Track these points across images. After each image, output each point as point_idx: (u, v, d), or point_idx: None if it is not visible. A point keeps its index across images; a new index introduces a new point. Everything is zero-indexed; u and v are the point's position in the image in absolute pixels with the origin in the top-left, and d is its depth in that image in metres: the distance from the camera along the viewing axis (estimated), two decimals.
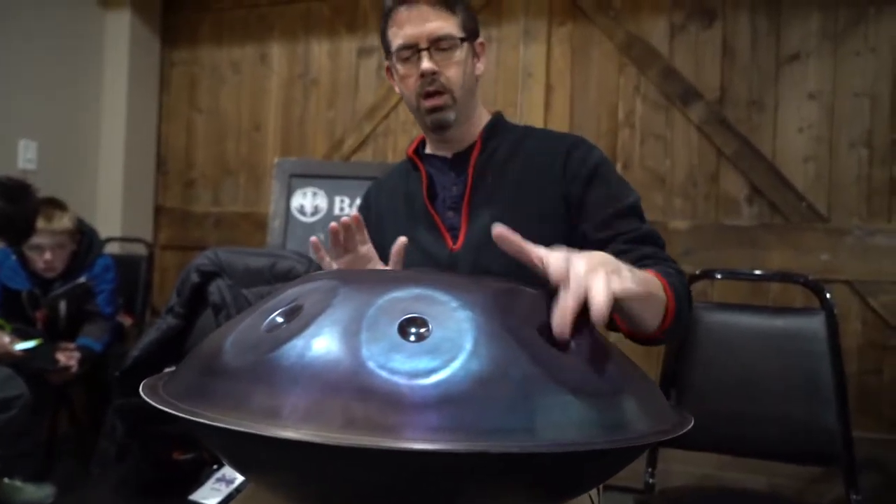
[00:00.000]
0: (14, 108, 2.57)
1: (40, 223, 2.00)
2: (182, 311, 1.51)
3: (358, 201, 1.22)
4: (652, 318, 0.77)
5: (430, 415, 0.43)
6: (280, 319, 0.55)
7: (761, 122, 2.29)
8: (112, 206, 2.95)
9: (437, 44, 0.94)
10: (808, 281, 1.30)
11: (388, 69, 1.03)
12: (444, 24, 0.94)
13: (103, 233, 2.82)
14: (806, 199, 2.23)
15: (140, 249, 2.86)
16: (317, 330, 0.51)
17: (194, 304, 1.50)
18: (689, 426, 0.55)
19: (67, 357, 2.06)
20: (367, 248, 0.93)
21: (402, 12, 0.95)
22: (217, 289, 1.45)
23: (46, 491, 2.03)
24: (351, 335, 0.49)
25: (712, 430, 1.27)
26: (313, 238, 0.90)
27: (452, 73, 0.95)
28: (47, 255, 2.11)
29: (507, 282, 0.63)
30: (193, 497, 1.19)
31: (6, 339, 1.88)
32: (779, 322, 1.25)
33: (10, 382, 1.73)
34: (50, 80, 2.72)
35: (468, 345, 0.48)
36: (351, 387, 0.45)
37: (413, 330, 0.50)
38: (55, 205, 2.15)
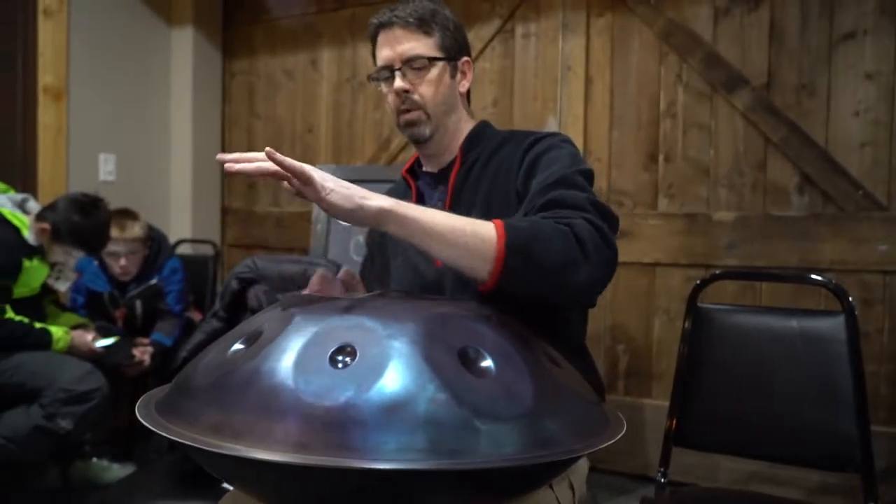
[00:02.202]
0: (94, 125, 2.83)
1: (114, 232, 2.22)
2: (224, 315, 1.66)
3: None
4: (469, 263, 0.77)
5: (338, 435, 0.50)
6: (240, 346, 0.63)
7: (812, 107, 2.18)
8: (183, 209, 3.19)
9: (410, 63, 1.00)
10: (827, 282, 1.26)
11: None
12: (416, 45, 1.00)
13: (175, 235, 3.07)
14: (862, 187, 2.11)
15: (209, 250, 3.08)
16: (265, 356, 0.59)
17: (235, 308, 1.65)
18: (610, 442, 0.60)
19: (141, 352, 2.28)
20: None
21: (381, 36, 1.03)
22: (255, 294, 1.59)
23: (129, 471, 2.27)
24: (289, 362, 0.57)
25: (726, 432, 1.27)
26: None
27: (425, 91, 1.01)
28: (122, 261, 2.33)
29: (451, 306, 0.69)
30: (225, 484, 1.31)
31: (89, 337, 2.11)
32: (794, 323, 1.23)
33: (91, 376, 1.95)
34: (124, 97, 2.97)
35: (385, 372, 0.55)
36: (279, 408, 0.53)
37: (341, 358, 0.57)
38: (127, 214, 2.36)
